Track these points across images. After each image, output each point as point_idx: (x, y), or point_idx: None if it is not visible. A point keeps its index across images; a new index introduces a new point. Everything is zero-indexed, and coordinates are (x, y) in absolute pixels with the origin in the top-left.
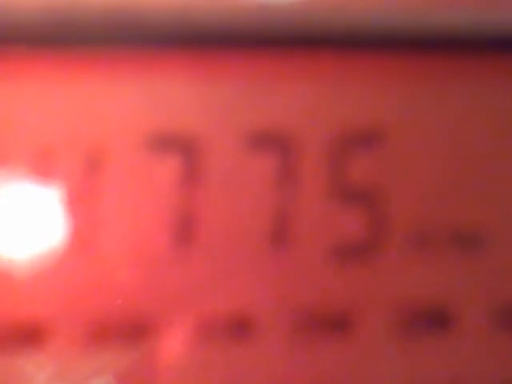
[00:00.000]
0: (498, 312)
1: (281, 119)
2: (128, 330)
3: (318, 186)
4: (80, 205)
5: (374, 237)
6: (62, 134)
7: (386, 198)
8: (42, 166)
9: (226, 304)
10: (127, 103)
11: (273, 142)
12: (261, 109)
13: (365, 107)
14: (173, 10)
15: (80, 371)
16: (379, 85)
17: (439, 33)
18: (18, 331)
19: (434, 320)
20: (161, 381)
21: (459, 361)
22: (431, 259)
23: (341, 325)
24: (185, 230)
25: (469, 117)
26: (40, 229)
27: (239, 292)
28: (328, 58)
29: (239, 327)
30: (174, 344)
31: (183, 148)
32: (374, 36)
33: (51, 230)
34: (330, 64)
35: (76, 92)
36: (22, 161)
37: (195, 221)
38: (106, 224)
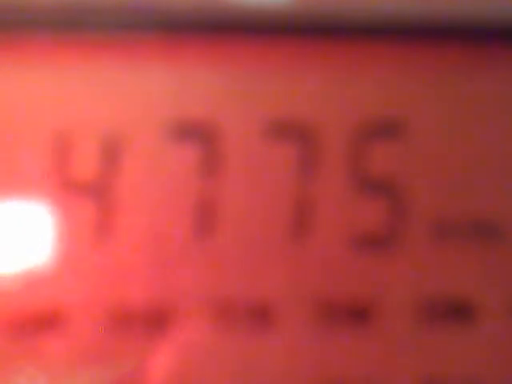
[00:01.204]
0: None
1: (302, 108)
2: (148, 318)
3: (338, 176)
4: (99, 192)
5: (393, 227)
6: (82, 120)
7: (406, 188)
8: (60, 152)
9: (246, 293)
10: (147, 90)
11: (293, 131)
12: (282, 97)
13: (385, 97)
14: None
15: (100, 360)
16: (400, 74)
17: (463, 21)
18: (38, 318)
19: (453, 310)
20: (180, 368)
21: (478, 351)
22: (451, 250)
23: (360, 314)
24: (205, 217)
25: (489, 106)
26: (59, 216)
27: (259, 281)
28: (350, 47)
29: (259, 316)
30: (193, 332)
31: (204, 136)
32: (396, 24)
33: (70, 217)
34: (351, 53)
35: (96, 78)
36: (40, 147)
37: (215, 208)
38: (125, 212)
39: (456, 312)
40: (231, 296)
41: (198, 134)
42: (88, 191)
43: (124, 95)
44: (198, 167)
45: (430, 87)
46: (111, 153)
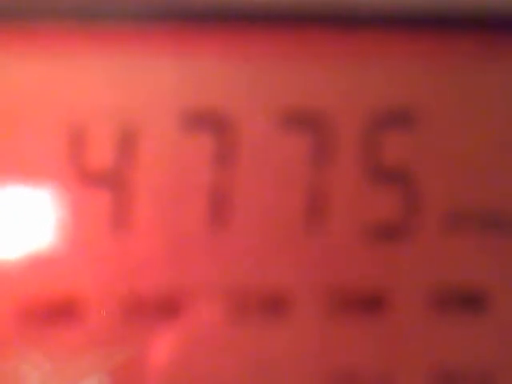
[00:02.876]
0: None
1: (315, 98)
2: (161, 307)
3: (351, 165)
4: (114, 181)
5: (407, 216)
6: (97, 110)
7: (419, 178)
8: (75, 143)
9: (259, 282)
10: (162, 80)
11: (307, 121)
12: (295, 87)
13: (399, 86)
14: None
15: (112, 346)
16: (413, 65)
17: (476, 11)
18: (52, 306)
19: (465, 300)
20: (193, 357)
21: (490, 341)
22: (464, 239)
23: (374, 303)
24: (219, 207)
25: (502, 96)
26: (74, 206)
27: (272, 270)
28: (363, 36)
29: (273, 304)
30: (206, 321)
31: (218, 125)
32: (407, 16)
33: (85, 207)
34: (365, 42)
35: (111, 67)
36: (56, 137)
37: (230, 198)
38: (140, 201)
39: (468, 302)
40: (245, 286)
41: (212, 124)
42: (103, 181)
43: (139, 85)
44: (212, 157)
45: (443, 77)
46: (126, 143)
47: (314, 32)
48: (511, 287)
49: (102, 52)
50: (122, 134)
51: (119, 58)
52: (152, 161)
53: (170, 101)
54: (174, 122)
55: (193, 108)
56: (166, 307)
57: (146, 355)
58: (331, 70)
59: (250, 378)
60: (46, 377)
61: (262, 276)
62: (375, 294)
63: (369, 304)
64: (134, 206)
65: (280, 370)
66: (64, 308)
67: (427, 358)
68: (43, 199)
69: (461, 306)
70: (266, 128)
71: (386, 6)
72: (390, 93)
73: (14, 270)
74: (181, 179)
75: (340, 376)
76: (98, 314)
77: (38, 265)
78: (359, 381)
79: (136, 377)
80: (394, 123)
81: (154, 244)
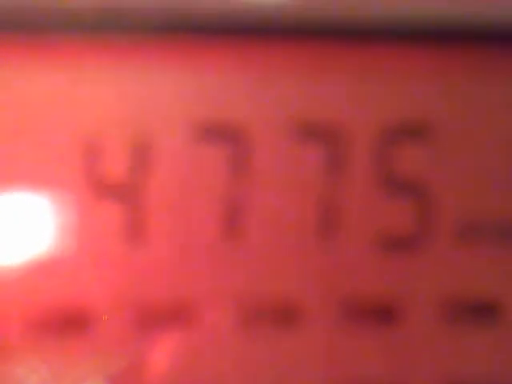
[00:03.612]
0: None
1: (329, 110)
2: (174, 318)
3: (365, 177)
4: (128, 193)
5: (420, 227)
6: (112, 121)
7: (432, 189)
8: (90, 154)
9: (273, 291)
10: (176, 92)
11: (321, 132)
12: (310, 99)
13: (413, 99)
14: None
15: (124, 355)
16: (427, 77)
17: (486, 24)
18: (64, 317)
19: (479, 311)
20: (205, 366)
21: (503, 351)
22: (477, 250)
23: (386, 314)
24: (232, 217)
25: None
26: (88, 217)
27: (286, 280)
28: (377, 50)
29: (285, 315)
30: (219, 330)
31: (231, 137)
32: (421, 30)
33: (99, 218)
34: (378, 56)
35: (126, 79)
36: (71, 148)
37: (243, 209)
38: (154, 212)
39: (481, 313)
40: (257, 295)
41: (225, 136)
42: (117, 193)
43: (152, 98)
44: (225, 168)
45: (456, 89)
46: (139, 155)
47: (327, 45)
48: None
49: (115, 64)
50: (135, 147)
51: (133, 70)
52: (165, 173)
53: (183, 113)
54: (186, 134)
55: (206, 120)
56: (178, 317)
57: (158, 364)
58: (344, 82)
59: None
60: None
61: (274, 285)
62: (387, 305)
63: (381, 315)
64: (147, 217)
65: (291, 379)
66: (76, 319)
67: (439, 369)
68: (57, 211)
69: (473, 318)
70: (279, 139)
71: (400, 19)
72: (403, 105)
73: (28, 281)
74: (194, 191)
75: None
76: (110, 324)
77: (50, 275)
78: None
79: None
80: (407, 135)
81: (167, 254)
